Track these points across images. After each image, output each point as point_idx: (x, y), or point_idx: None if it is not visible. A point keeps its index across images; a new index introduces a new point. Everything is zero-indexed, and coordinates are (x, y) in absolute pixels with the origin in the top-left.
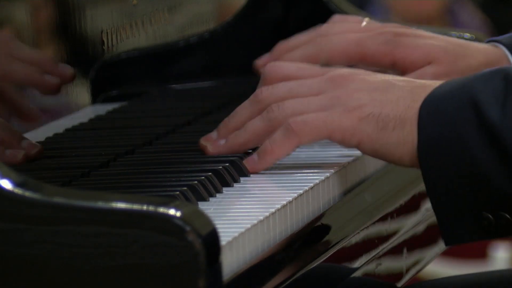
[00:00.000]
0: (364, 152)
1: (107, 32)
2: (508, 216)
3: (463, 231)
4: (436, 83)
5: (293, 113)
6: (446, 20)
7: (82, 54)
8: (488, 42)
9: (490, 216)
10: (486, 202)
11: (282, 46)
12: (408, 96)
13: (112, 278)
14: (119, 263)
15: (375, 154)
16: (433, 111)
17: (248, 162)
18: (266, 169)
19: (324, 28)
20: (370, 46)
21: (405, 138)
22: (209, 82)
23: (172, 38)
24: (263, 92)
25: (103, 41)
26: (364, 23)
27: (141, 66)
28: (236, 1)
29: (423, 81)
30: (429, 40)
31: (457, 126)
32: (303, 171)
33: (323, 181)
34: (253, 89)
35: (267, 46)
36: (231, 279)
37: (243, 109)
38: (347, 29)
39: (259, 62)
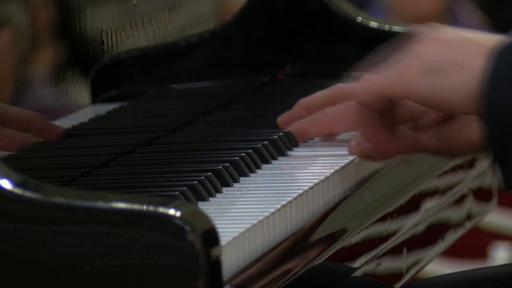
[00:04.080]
0: (415, 102)
1: (107, 32)
2: None
3: None
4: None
5: None
6: (446, 20)
7: (82, 54)
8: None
9: None
10: None
11: (302, 102)
12: (469, 44)
13: (112, 278)
14: (119, 263)
15: (428, 103)
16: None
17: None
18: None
19: (341, 86)
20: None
21: (461, 83)
22: (209, 82)
23: (172, 38)
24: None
25: (103, 41)
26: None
27: (141, 66)
28: (236, 1)
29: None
30: None
31: None
32: (303, 171)
33: (322, 181)
34: (253, 89)
35: (267, 46)
36: (231, 279)
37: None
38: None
39: (280, 119)
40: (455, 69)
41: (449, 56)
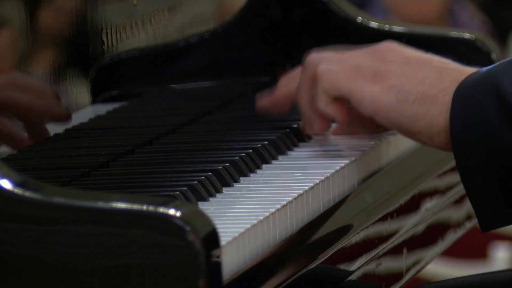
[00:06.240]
0: (379, 121)
1: (107, 32)
2: None
3: (499, 216)
4: (468, 70)
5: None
6: (446, 20)
7: (82, 54)
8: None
9: None
10: None
11: (284, 82)
12: (436, 76)
13: (112, 278)
14: (119, 263)
15: (391, 125)
16: (463, 97)
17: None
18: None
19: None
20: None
21: (424, 114)
22: (209, 82)
23: (172, 38)
24: (311, 57)
25: (103, 41)
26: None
27: (141, 66)
28: (236, 1)
29: (456, 66)
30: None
31: (483, 111)
32: (303, 171)
33: (323, 181)
34: (253, 89)
35: (267, 46)
36: (231, 279)
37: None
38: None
39: (261, 102)
40: (418, 100)
41: (412, 82)
